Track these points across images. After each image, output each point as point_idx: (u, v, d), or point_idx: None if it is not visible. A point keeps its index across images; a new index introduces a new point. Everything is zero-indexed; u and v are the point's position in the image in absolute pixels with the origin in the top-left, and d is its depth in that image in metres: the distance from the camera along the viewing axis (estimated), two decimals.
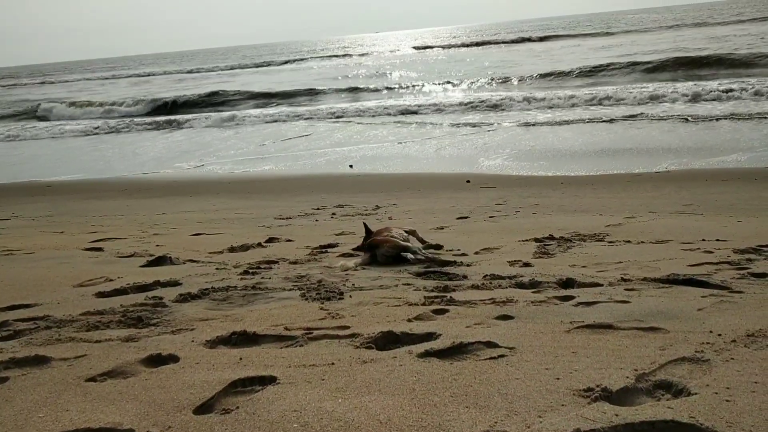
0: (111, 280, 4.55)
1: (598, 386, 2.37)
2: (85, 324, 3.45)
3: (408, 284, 4.23)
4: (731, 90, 19.99)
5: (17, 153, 22.09)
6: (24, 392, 2.56)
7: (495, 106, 22.96)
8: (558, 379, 2.47)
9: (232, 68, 65.33)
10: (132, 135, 24.96)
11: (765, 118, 16.19)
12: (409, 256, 4.95)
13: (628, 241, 5.60)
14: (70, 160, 20.12)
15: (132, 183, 14.49)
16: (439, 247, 5.56)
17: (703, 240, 5.47)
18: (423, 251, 5.12)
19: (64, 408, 2.40)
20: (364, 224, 5.58)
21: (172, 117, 27.71)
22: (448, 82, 32.73)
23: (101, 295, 4.15)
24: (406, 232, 5.40)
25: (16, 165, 19.10)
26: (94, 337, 3.22)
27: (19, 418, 2.34)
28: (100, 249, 6.12)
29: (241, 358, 2.84)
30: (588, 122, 18.27)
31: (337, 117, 24.52)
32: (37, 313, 3.70)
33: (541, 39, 62.03)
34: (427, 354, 2.81)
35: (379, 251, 4.99)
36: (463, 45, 65.17)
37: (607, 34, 59.28)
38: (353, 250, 5.50)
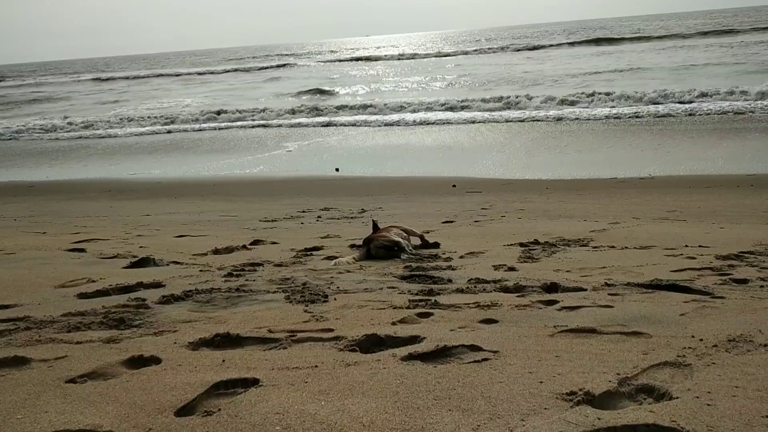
0: (93, 281, 4.51)
1: (581, 390, 2.38)
2: (66, 325, 3.41)
3: (393, 287, 4.23)
4: None
5: None
6: (2, 393, 2.52)
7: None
8: (541, 382, 2.48)
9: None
10: None
11: None
12: (400, 253, 5.38)
13: (612, 247, 5.63)
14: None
15: (116, 184, 14.38)
16: (437, 245, 5.83)
17: (686, 246, 5.52)
18: (410, 248, 5.60)
19: (43, 409, 2.36)
20: (373, 221, 6.10)
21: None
22: None
23: (83, 296, 4.11)
24: (403, 230, 5.92)
25: None
26: (75, 339, 3.18)
27: None
28: (82, 250, 6.06)
29: (223, 360, 2.82)
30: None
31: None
32: (17, 313, 3.66)
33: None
34: (411, 357, 2.80)
35: (372, 245, 5.45)
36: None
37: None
38: (352, 246, 5.95)
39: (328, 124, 23.64)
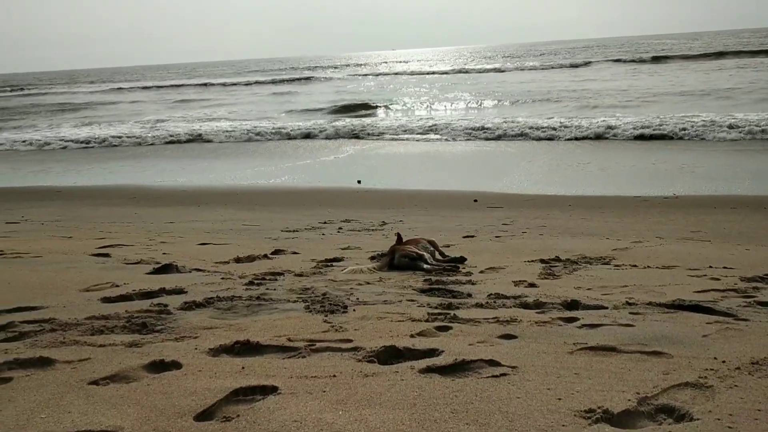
0: (117, 286, 4.58)
1: (599, 408, 2.37)
2: (90, 328, 3.47)
3: (412, 300, 4.24)
4: None
5: None
6: (27, 393, 2.57)
7: None
8: (559, 399, 2.47)
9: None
10: None
11: None
12: (420, 264, 5.45)
13: (635, 266, 5.59)
14: None
15: (141, 191, 14.56)
16: (463, 259, 5.79)
17: (710, 267, 5.46)
18: (432, 260, 5.64)
19: (66, 410, 2.41)
20: (397, 233, 6.14)
21: None
22: None
23: (107, 300, 4.18)
24: (429, 242, 5.98)
25: None
26: (99, 342, 3.23)
27: (21, 418, 2.35)
28: (107, 255, 6.15)
29: (243, 367, 2.85)
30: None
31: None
32: (43, 315, 3.73)
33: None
34: (429, 370, 2.81)
35: (397, 254, 5.54)
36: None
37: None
38: (373, 258, 5.98)
39: (353, 137, 23.62)
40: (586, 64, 58.20)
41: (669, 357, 2.96)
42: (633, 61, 57.19)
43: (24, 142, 26.36)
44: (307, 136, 24.34)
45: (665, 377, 2.69)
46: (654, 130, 19.30)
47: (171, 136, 25.57)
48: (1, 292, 4.33)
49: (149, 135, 25.97)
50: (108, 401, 2.49)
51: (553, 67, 57.85)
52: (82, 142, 25.69)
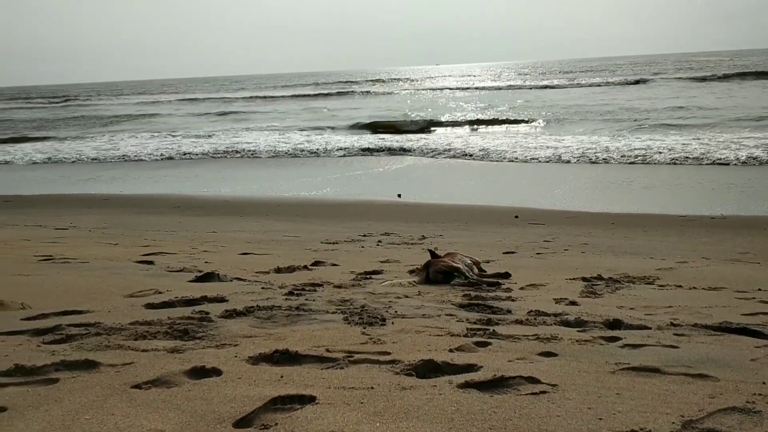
0: (160, 293, 4.66)
1: (641, 429, 2.32)
2: (134, 333, 3.53)
3: (451, 315, 4.21)
4: None
5: None
6: (72, 394, 2.63)
7: None
8: (600, 419, 2.43)
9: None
10: None
11: None
12: (457, 276, 5.43)
13: (679, 286, 5.46)
14: None
15: (185, 200, 14.84)
16: (507, 275, 5.76)
17: (759, 290, 5.30)
18: (471, 274, 5.57)
19: (110, 412, 2.46)
20: (430, 250, 6.08)
21: None
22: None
23: (150, 306, 4.26)
24: (468, 257, 5.90)
25: None
26: (142, 346, 3.29)
27: (66, 418, 2.41)
28: (151, 262, 6.27)
29: (282, 376, 2.87)
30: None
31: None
32: (89, 319, 3.82)
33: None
34: (467, 385, 2.79)
35: (431, 269, 5.49)
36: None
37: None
38: (411, 272, 5.93)
39: (394, 152, 23.57)
40: (643, 81, 56.73)
41: (715, 380, 2.88)
42: (693, 79, 55.53)
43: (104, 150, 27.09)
44: (348, 150, 24.35)
45: (711, 401, 2.61)
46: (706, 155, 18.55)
47: (218, 151, 25.78)
48: (49, 296, 4.45)
49: (198, 150, 26.21)
50: (150, 405, 2.54)
51: (607, 84, 56.50)
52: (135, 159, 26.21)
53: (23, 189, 17.87)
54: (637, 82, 55.80)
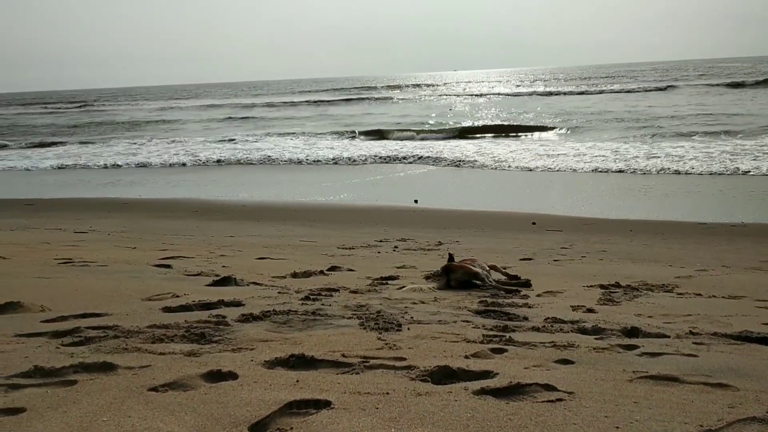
0: (177, 297, 4.70)
1: None
2: (151, 336, 3.56)
3: (467, 321, 4.20)
4: None
5: None
6: (90, 396, 2.65)
7: None
8: (617, 428, 2.40)
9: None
10: None
11: None
12: (478, 283, 5.39)
13: (699, 294, 5.40)
14: None
15: (203, 205, 14.94)
16: (528, 284, 5.66)
17: None
18: (491, 280, 5.53)
19: (127, 414, 2.48)
20: (450, 254, 6.01)
21: None
22: None
23: (167, 309, 4.29)
24: (488, 266, 5.82)
25: None
26: (159, 350, 3.32)
27: (84, 420, 2.43)
28: (168, 266, 6.32)
29: (297, 381, 2.88)
30: None
31: None
32: (107, 322, 3.85)
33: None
34: (483, 392, 2.77)
35: (452, 275, 5.44)
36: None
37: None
38: (427, 277, 5.92)
39: (415, 158, 23.43)
40: (667, 88, 55.86)
41: (735, 390, 2.84)
42: (718, 85, 54.40)
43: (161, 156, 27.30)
44: (366, 157, 24.24)
45: (731, 410, 2.58)
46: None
47: (238, 159, 25.80)
48: (69, 298, 4.50)
49: (216, 156, 26.23)
50: (166, 408, 2.55)
51: (636, 91, 55.45)
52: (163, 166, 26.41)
53: (44, 193, 18.10)
54: (662, 89, 55.12)
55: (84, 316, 4.02)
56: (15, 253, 6.83)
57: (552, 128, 32.31)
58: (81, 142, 35.17)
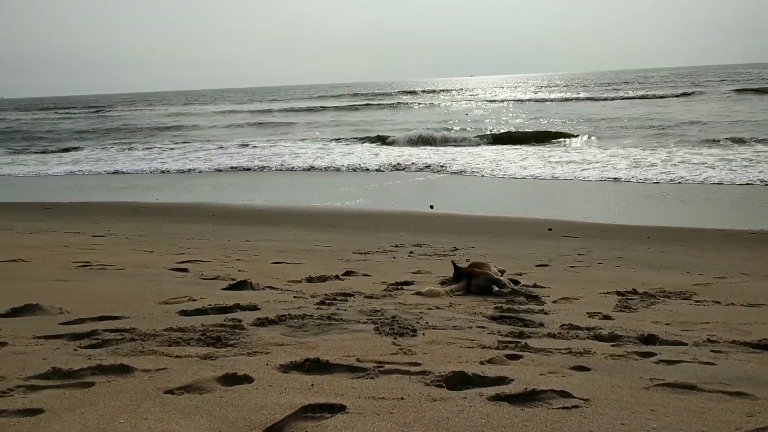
0: (194, 300, 4.72)
1: None
2: (168, 339, 3.59)
3: (482, 327, 4.19)
4: None
5: None
6: (107, 398, 2.68)
7: None
8: None
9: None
10: None
11: None
12: (495, 288, 5.42)
13: (717, 302, 5.35)
14: None
15: (219, 209, 15.02)
16: (535, 298, 5.45)
17: None
18: (511, 284, 5.56)
19: (143, 416, 2.49)
20: (453, 262, 6.05)
21: None
22: None
23: (184, 313, 4.31)
24: (498, 270, 5.88)
25: None
26: (175, 352, 3.34)
27: (101, 421, 2.45)
28: (185, 270, 6.36)
29: (312, 385, 2.88)
30: None
31: None
32: (124, 325, 3.88)
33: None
34: (498, 398, 2.76)
35: (474, 281, 5.47)
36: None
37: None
38: (442, 282, 5.92)
39: (432, 165, 23.16)
40: (693, 93, 54.61)
41: (753, 399, 2.81)
42: (741, 90, 52.98)
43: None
44: (383, 164, 23.83)
45: (749, 419, 2.55)
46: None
47: (256, 166, 25.67)
48: (86, 302, 4.54)
49: (234, 163, 26.12)
50: (182, 410, 2.57)
51: (661, 97, 54.13)
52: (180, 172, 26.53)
53: (62, 196, 18.29)
54: (687, 94, 54.32)
55: (101, 318, 4.06)
56: (34, 256, 6.91)
57: (575, 135, 31.92)
58: (103, 147, 35.50)
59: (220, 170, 24.78)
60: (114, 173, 25.19)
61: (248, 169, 24.75)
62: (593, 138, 30.57)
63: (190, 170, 25.00)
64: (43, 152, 34.39)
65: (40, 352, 3.30)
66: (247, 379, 2.95)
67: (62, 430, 2.38)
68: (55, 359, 3.15)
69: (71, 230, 10.75)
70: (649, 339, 3.92)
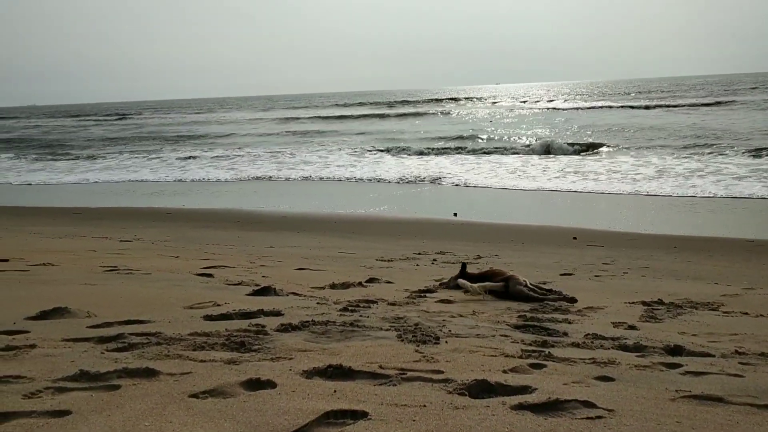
0: (219, 305, 4.77)
1: None
2: (192, 343, 3.62)
3: (506, 336, 4.17)
4: None
5: None
6: (133, 401, 2.71)
7: None
8: None
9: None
10: None
11: None
12: (532, 294, 5.51)
13: (746, 313, 5.26)
14: None
15: (245, 215, 15.14)
16: (571, 300, 5.67)
17: None
18: (543, 288, 5.68)
19: (168, 420, 2.52)
20: (462, 262, 6.23)
21: None
22: None
23: (209, 318, 4.36)
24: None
25: None
26: (200, 357, 3.37)
27: (127, 424, 2.48)
28: (210, 275, 6.42)
29: (335, 391, 2.89)
30: None
31: None
32: (150, 329, 3.93)
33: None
34: (521, 407, 2.75)
35: (511, 283, 5.59)
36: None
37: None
38: (448, 285, 6.08)
39: (456, 175, 22.94)
40: (728, 102, 53.16)
41: None
42: None
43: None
44: (407, 175, 23.51)
45: None
46: None
47: (282, 176, 25.69)
48: (113, 305, 4.61)
49: (264, 172, 26.07)
50: (206, 414, 2.60)
51: (694, 106, 51.84)
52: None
53: (91, 202, 18.58)
54: (722, 103, 52.97)
55: (128, 322, 4.12)
56: (63, 260, 7.03)
57: (606, 145, 31.13)
58: (133, 152, 35.96)
59: (243, 179, 24.79)
60: (141, 181, 25.38)
61: (271, 178, 24.71)
62: (624, 148, 29.99)
63: (218, 180, 24.99)
64: (75, 158, 34.88)
65: (68, 354, 3.35)
66: (271, 384, 2.97)
67: (89, 431, 2.42)
68: (83, 362, 3.20)
69: (99, 235, 10.92)
70: (676, 350, 3.87)
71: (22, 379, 2.94)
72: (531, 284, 5.70)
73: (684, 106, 52.67)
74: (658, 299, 5.67)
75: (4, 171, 30.02)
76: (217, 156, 32.32)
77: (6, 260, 6.80)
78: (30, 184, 25.00)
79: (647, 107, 54.34)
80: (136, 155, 34.90)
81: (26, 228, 12.19)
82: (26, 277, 5.93)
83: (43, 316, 4.21)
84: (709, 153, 24.87)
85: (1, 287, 5.28)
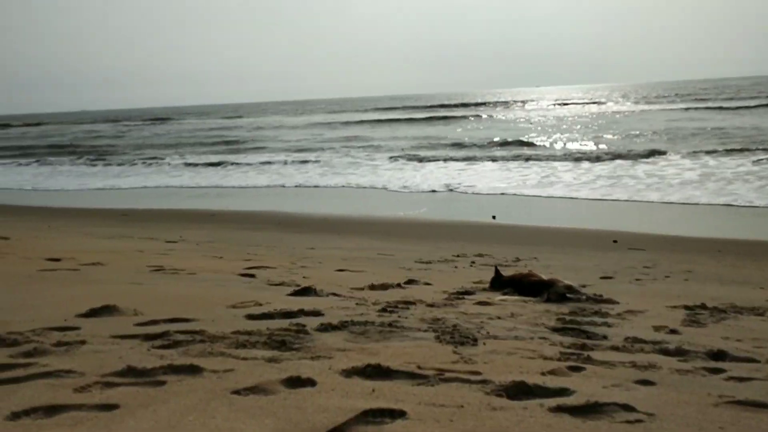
0: (260, 305, 4.85)
1: None
2: (235, 341, 3.71)
3: (544, 338, 4.16)
4: None
5: None
6: (178, 396, 2.80)
7: None
8: None
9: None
10: None
11: None
12: (573, 296, 5.58)
13: None
14: None
15: (286, 217, 15.33)
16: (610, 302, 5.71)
17: None
18: (584, 291, 5.74)
19: (211, 415, 2.60)
20: (495, 268, 6.31)
21: None
22: None
23: (251, 317, 4.44)
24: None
25: None
26: (242, 355, 3.45)
27: (172, 418, 2.56)
28: (252, 275, 6.53)
29: (373, 390, 2.93)
30: None
31: None
32: (194, 327, 4.03)
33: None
34: (559, 409, 2.75)
35: (551, 289, 5.62)
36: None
37: None
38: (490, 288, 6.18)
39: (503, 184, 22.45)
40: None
41: None
42: None
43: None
44: (437, 186, 22.99)
45: None
46: None
47: (322, 184, 25.29)
48: (159, 304, 4.73)
49: (305, 179, 25.65)
50: (248, 411, 2.66)
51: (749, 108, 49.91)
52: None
53: (138, 203, 19.03)
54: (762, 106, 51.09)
55: (173, 320, 4.23)
56: (111, 260, 7.24)
57: (664, 152, 30.03)
58: (179, 156, 36.61)
59: (286, 186, 24.47)
60: (194, 187, 25.45)
61: (317, 186, 24.16)
62: (671, 152, 29.09)
63: (269, 185, 24.79)
64: (132, 164, 35.57)
65: (116, 351, 3.47)
66: (311, 383, 3.02)
67: (136, 425, 2.51)
68: (130, 358, 3.30)
69: (146, 236, 11.19)
70: (719, 355, 3.80)
71: (72, 374, 3.05)
72: (575, 287, 5.72)
73: (751, 107, 50.81)
74: (701, 303, 5.56)
75: (57, 175, 31.06)
76: (262, 162, 32.31)
77: (58, 260, 7.04)
78: (79, 190, 25.52)
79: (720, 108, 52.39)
80: (186, 159, 35.24)
81: (78, 229, 12.58)
82: (77, 275, 6.13)
83: (93, 313, 4.35)
84: (754, 156, 24.10)
85: (53, 285, 5.47)
